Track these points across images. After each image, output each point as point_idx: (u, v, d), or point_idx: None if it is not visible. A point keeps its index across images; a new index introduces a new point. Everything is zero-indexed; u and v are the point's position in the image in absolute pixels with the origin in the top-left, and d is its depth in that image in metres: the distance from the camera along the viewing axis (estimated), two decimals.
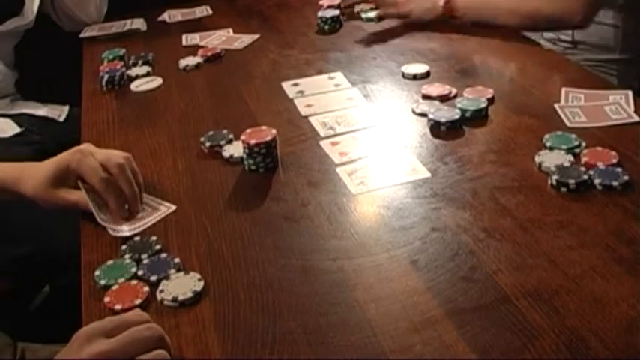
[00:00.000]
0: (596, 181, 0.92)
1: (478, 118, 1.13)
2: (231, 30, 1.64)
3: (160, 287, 0.81)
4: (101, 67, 1.43)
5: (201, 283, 0.81)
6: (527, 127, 1.09)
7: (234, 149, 1.08)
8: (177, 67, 1.46)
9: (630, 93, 1.15)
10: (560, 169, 0.95)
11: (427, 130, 1.12)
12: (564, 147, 1.01)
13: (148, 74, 1.43)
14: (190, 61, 1.47)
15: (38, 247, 1.26)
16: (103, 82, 1.39)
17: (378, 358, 0.70)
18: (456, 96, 1.21)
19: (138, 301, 0.79)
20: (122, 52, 1.50)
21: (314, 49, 1.50)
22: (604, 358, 0.67)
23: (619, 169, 0.94)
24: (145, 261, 0.86)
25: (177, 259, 0.85)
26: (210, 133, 1.14)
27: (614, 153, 0.98)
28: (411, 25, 1.52)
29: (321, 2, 1.69)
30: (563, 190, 0.93)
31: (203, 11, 1.80)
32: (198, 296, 0.80)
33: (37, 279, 1.37)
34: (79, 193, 0.93)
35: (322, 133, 1.14)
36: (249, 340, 0.73)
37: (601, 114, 1.10)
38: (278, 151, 1.05)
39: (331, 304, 0.77)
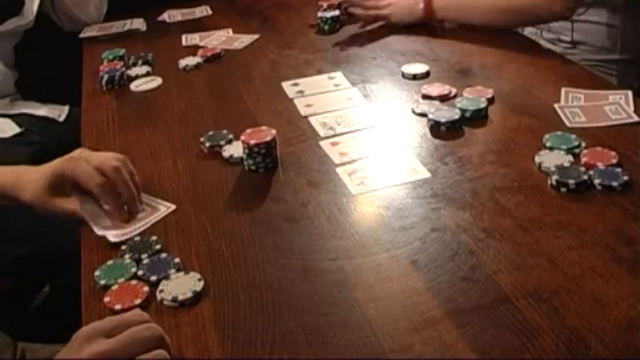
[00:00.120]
0: (596, 181, 0.92)
1: (478, 118, 1.13)
2: (230, 30, 1.64)
3: (160, 287, 0.81)
4: (101, 67, 1.43)
5: (201, 283, 0.81)
6: (527, 127, 1.09)
7: (234, 149, 1.08)
8: (177, 67, 1.46)
9: (630, 93, 1.15)
10: (560, 169, 0.95)
11: (427, 130, 1.12)
12: (564, 147, 1.01)
13: (147, 74, 1.43)
14: (190, 61, 1.47)
15: (38, 247, 1.26)
16: (103, 82, 1.39)
17: (378, 358, 0.70)
18: (455, 96, 1.21)
19: (138, 301, 0.79)
20: (122, 52, 1.50)
21: (314, 49, 1.50)
22: (604, 358, 0.67)
23: (619, 169, 0.94)
24: (145, 261, 0.86)
25: (177, 259, 0.85)
26: (210, 133, 1.14)
27: (613, 153, 0.98)
28: (411, 26, 1.52)
29: (320, 2, 1.69)
30: (563, 190, 0.93)
31: (203, 11, 1.80)
32: (198, 296, 0.80)
33: (37, 279, 1.37)
34: (73, 201, 0.93)
35: (322, 133, 1.14)
36: (249, 340, 0.73)
37: (601, 114, 1.10)
38: (278, 151, 1.05)
39: (331, 304, 0.77)
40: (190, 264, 0.86)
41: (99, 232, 0.91)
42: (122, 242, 0.90)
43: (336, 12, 1.60)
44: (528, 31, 1.59)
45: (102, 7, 1.77)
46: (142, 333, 0.68)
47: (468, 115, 1.13)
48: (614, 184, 0.91)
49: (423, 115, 1.15)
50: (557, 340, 0.69)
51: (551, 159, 0.98)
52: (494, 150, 1.04)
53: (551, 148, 1.01)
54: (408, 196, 0.95)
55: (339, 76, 1.34)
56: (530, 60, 1.35)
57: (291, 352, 0.72)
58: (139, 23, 1.73)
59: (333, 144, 1.10)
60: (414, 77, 1.30)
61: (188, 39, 1.61)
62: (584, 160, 0.97)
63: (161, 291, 0.80)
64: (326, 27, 1.58)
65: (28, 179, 0.94)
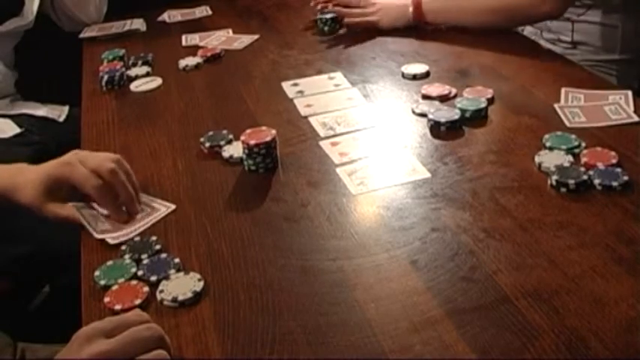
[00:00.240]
0: (596, 181, 0.92)
1: (478, 118, 1.13)
2: (230, 30, 1.64)
3: (160, 287, 0.81)
4: (101, 68, 1.43)
5: (201, 284, 0.81)
6: (527, 127, 1.09)
7: (234, 149, 1.08)
8: (176, 67, 1.46)
9: (630, 93, 1.15)
10: (560, 169, 0.95)
11: (427, 131, 1.12)
12: (564, 147, 1.01)
13: (147, 74, 1.43)
14: (190, 61, 1.47)
15: (38, 247, 1.26)
16: (103, 83, 1.39)
17: (378, 358, 0.70)
18: (455, 96, 1.21)
19: (138, 302, 0.79)
20: (122, 52, 1.50)
21: (314, 49, 1.50)
22: (604, 358, 0.67)
23: (619, 169, 0.94)
24: (145, 261, 0.86)
25: (177, 260, 0.85)
26: (210, 133, 1.14)
27: (613, 153, 0.98)
28: (412, 26, 1.52)
29: (313, 3, 1.67)
30: (563, 190, 0.93)
31: (203, 11, 1.80)
32: (198, 296, 0.80)
33: (37, 279, 1.37)
34: (70, 207, 0.93)
35: (322, 133, 1.14)
36: (249, 340, 0.73)
37: (601, 114, 1.10)
38: (278, 152, 1.05)
39: (331, 304, 0.77)
40: (190, 264, 0.86)
41: (98, 236, 0.91)
42: (122, 242, 0.90)
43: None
44: (528, 31, 1.59)
45: (102, 7, 1.77)
46: (142, 333, 0.68)
47: (467, 115, 1.13)
48: (614, 184, 0.91)
49: (423, 115, 1.15)
50: (557, 340, 0.69)
51: (551, 159, 0.98)
52: (494, 150, 1.04)
53: (551, 148, 1.01)
54: (408, 196, 0.95)
55: (338, 76, 1.34)
56: (530, 60, 1.35)
57: (291, 352, 0.72)
58: (138, 23, 1.73)
59: (333, 144, 1.10)
60: (414, 77, 1.30)
61: (188, 39, 1.61)
62: (584, 160, 0.97)
63: (161, 291, 0.80)
64: (325, 28, 1.57)
65: (24, 181, 0.93)
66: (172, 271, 0.83)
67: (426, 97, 1.22)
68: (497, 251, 0.83)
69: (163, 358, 0.68)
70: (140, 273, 0.84)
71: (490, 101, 1.17)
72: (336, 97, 1.26)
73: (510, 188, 0.95)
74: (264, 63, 1.45)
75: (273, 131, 1.05)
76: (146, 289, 0.81)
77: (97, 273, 0.84)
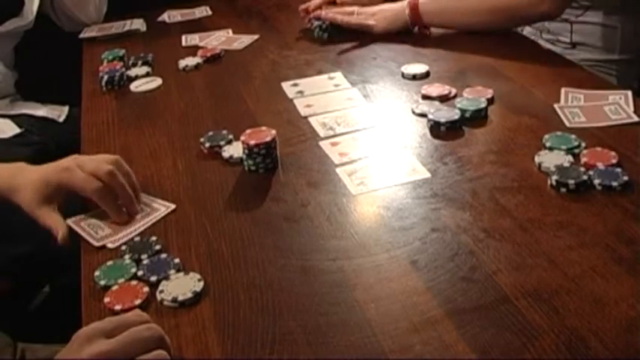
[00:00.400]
0: (596, 182, 0.92)
1: (478, 118, 1.13)
2: (230, 30, 1.64)
3: (160, 288, 0.81)
4: (101, 68, 1.43)
5: (201, 284, 0.81)
6: (526, 128, 1.09)
7: (234, 149, 1.08)
8: (176, 67, 1.46)
9: (630, 93, 1.15)
10: (560, 169, 0.95)
11: (427, 131, 1.12)
12: (564, 147, 1.01)
13: (147, 75, 1.43)
14: (190, 61, 1.47)
15: (38, 247, 1.26)
16: (103, 83, 1.39)
17: (378, 358, 0.70)
18: (455, 96, 1.21)
19: (138, 302, 0.79)
20: (122, 52, 1.50)
21: (313, 49, 1.50)
22: (604, 358, 0.67)
23: (619, 170, 0.94)
24: (145, 261, 0.86)
25: (177, 260, 0.85)
26: (210, 133, 1.14)
27: (613, 153, 0.98)
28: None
29: (303, 15, 1.62)
30: (563, 190, 0.93)
31: (202, 12, 1.80)
32: (198, 296, 0.80)
33: (37, 279, 1.37)
34: (55, 217, 0.92)
35: (322, 133, 1.14)
36: (249, 340, 0.73)
37: (601, 114, 1.10)
38: (278, 152, 1.05)
39: (331, 304, 0.77)
40: (190, 264, 0.86)
41: (98, 244, 0.91)
42: (122, 243, 0.90)
43: None
44: (527, 32, 1.59)
45: (102, 7, 1.77)
46: (142, 333, 0.68)
47: (467, 115, 1.13)
48: (614, 184, 0.91)
49: (423, 115, 1.15)
50: (557, 340, 0.69)
51: (551, 159, 0.98)
52: (494, 150, 1.05)
53: (551, 148, 1.01)
54: (408, 196, 0.95)
55: (338, 76, 1.34)
56: (530, 60, 1.35)
57: (291, 352, 0.72)
58: (138, 24, 1.73)
59: (333, 144, 1.10)
60: (414, 77, 1.30)
61: (188, 39, 1.61)
62: (584, 160, 0.97)
63: (161, 291, 0.80)
64: (325, 35, 1.53)
65: (24, 182, 0.94)
66: (172, 271, 0.83)
67: (425, 97, 1.22)
68: (497, 251, 0.83)
69: (163, 358, 0.68)
70: (140, 273, 0.84)
71: (490, 101, 1.17)
72: (336, 98, 1.26)
73: (510, 188, 0.95)
74: (264, 63, 1.45)
75: (273, 131, 1.05)
76: (146, 289, 0.81)
77: (97, 273, 0.84)
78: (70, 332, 0.69)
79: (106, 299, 0.80)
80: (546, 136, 1.04)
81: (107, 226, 0.94)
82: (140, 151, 1.14)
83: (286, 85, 1.32)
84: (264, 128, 1.06)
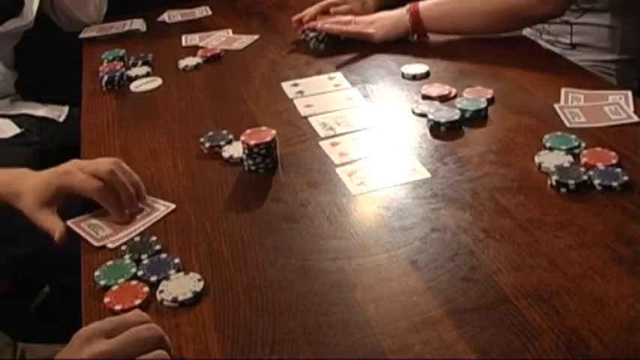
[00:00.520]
0: (596, 182, 0.92)
1: (478, 118, 1.13)
2: (230, 30, 1.64)
3: (160, 288, 0.81)
4: (101, 68, 1.43)
5: (201, 284, 0.81)
6: (526, 128, 1.09)
7: (234, 149, 1.08)
8: (176, 67, 1.46)
9: (630, 93, 1.15)
10: (560, 169, 0.95)
11: (427, 131, 1.12)
12: (564, 147, 1.01)
13: (147, 75, 1.43)
14: (190, 61, 1.47)
15: (38, 247, 1.26)
16: (103, 83, 1.39)
17: (378, 358, 0.70)
18: (455, 96, 1.21)
19: (138, 302, 0.79)
20: (122, 52, 1.50)
21: (313, 49, 1.50)
22: (604, 358, 0.67)
23: (619, 170, 0.94)
24: (145, 261, 0.86)
25: (177, 260, 0.85)
26: (210, 133, 1.14)
27: (613, 153, 0.98)
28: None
29: (296, 25, 1.58)
30: (563, 190, 0.93)
31: (202, 12, 1.81)
32: (198, 297, 0.80)
33: (37, 279, 1.37)
34: (53, 219, 0.93)
35: (322, 133, 1.14)
36: (249, 340, 0.73)
37: (601, 114, 1.10)
38: (278, 152, 1.05)
39: (331, 304, 0.77)
40: (190, 264, 0.86)
41: (98, 244, 0.91)
42: (122, 243, 0.90)
43: None
44: (527, 33, 1.58)
45: (101, 7, 1.77)
46: (142, 333, 0.68)
47: (467, 115, 1.13)
48: (614, 184, 0.91)
49: (423, 115, 1.15)
50: (557, 340, 0.69)
51: (551, 159, 0.98)
52: (494, 150, 1.05)
53: (551, 149, 1.01)
54: (408, 196, 0.95)
55: (338, 76, 1.34)
56: (530, 60, 1.35)
57: (291, 352, 0.72)
58: (138, 24, 1.73)
59: (333, 144, 1.10)
60: (414, 77, 1.30)
61: (188, 39, 1.61)
62: (584, 160, 0.97)
63: (161, 291, 0.80)
64: (321, 46, 1.48)
65: (25, 188, 0.94)
66: (172, 271, 0.83)
67: (426, 97, 1.22)
68: (497, 251, 0.83)
69: (163, 359, 0.68)
70: (140, 273, 0.84)
71: (490, 101, 1.17)
72: (336, 98, 1.26)
73: (510, 188, 0.95)
74: (264, 63, 1.45)
75: (273, 131, 1.05)
76: (146, 289, 0.81)
77: (97, 273, 0.84)
78: (70, 332, 0.69)
79: (106, 299, 0.80)
80: (546, 136, 1.04)
81: (107, 227, 0.94)
82: (140, 151, 1.14)
83: (286, 85, 1.32)
84: (264, 128, 1.06)
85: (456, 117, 1.11)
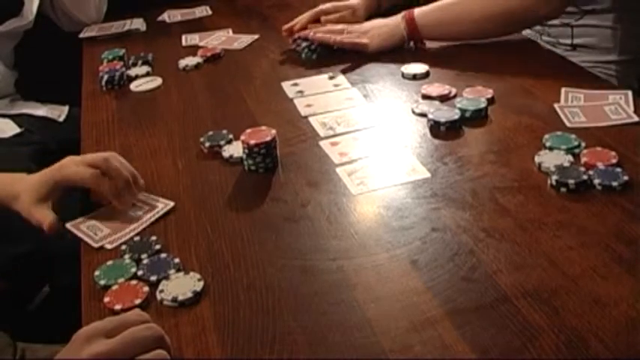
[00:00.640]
0: (596, 181, 0.92)
1: (478, 118, 1.13)
2: (230, 30, 1.64)
3: (160, 287, 0.81)
4: (101, 68, 1.43)
5: (201, 284, 0.81)
6: (526, 127, 1.09)
7: (234, 149, 1.08)
8: (176, 67, 1.46)
9: (630, 93, 1.15)
10: (560, 169, 0.95)
11: (427, 130, 1.12)
12: (564, 147, 1.01)
13: (147, 74, 1.43)
14: (190, 61, 1.47)
15: (38, 246, 1.26)
16: (103, 82, 1.39)
17: (378, 358, 0.70)
18: (455, 96, 1.21)
19: (138, 302, 0.79)
20: (122, 52, 1.50)
21: None
22: (604, 358, 0.67)
23: (619, 169, 0.94)
24: (145, 261, 0.86)
25: (177, 260, 0.85)
26: (210, 133, 1.14)
27: (613, 153, 0.98)
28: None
29: (286, 34, 1.53)
30: (563, 190, 0.93)
31: (203, 11, 1.80)
32: (198, 296, 0.80)
33: (37, 279, 1.37)
34: (44, 211, 0.93)
35: (322, 133, 1.14)
36: (249, 340, 0.73)
37: (601, 114, 1.10)
38: (278, 152, 1.05)
39: (331, 304, 0.77)
40: (190, 264, 0.86)
41: (97, 244, 0.91)
42: (121, 243, 0.90)
43: None
44: (527, 34, 1.58)
45: (101, 7, 1.77)
46: (142, 333, 0.68)
47: (467, 115, 1.13)
48: (614, 184, 0.91)
49: (423, 115, 1.15)
50: (557, 340, 0.69)
51: (551, 159, 0.98)
52: (494, 150, 1.04)
53: (551, 148, 1.01)
54: (408, 196, 0.95)
55: (338, 76, 1.34)
56: (530, 60, 1.35)
57: (291, 352, 0.72)
58: (138, 23, 1.73)
59: (333, 144, 1.10)
60: (414, 77, 1.30)
61: (188, 39, 1.61)
62: (584, 160, 0.97)
63: (161, 291, 0.80)
64: (314, 56, 1.45)
65: (22, 188, 0.95)
66: (172, 271, 0.83)
67: (426, 97, 1.22)
68: (497, 251, 0.83)
69: (163, 358, 0.68)
70: (140, 273, 0.84)
71: (490, 101, 1.17)
72: (336, 97, 1.26)
73: (510, 188, 0.95)
74: (264, 63, 1.45)
75: (273, 131, 1.05)
76: (146, 289, 0.81)
77: (97, 273, 0.84)
78: (70, 332, 0.69)
79: (106, 299, 0.80)
80: (546, 136, 1.04)
81: (106, 227, 0.94)
82: (140, 150, 1.14)
83: (286, 85, 1.32)
84: (264, 128, 1.06)
85: (456, 117, 1.11)
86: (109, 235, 0.92)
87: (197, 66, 1.46)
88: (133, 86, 1.39)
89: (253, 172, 1.04)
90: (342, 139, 1.11)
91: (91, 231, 0.94)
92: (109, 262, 0.86)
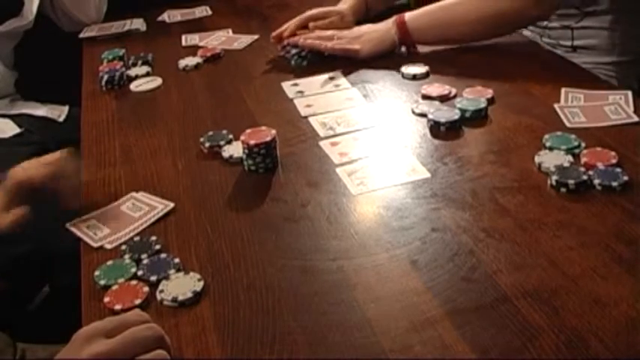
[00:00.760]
0: (596, 182, 0.92)
1: (478, 118, 1.13)
2: (230, 30, 1.64)
3: (160, 287, 0.81)
4: (101, 68, 1.43)
5: (201, 284, 0.81)
6: (526, 128, 1.09)
7: (234, 149, 1.08)
8: (176, 67, 1.46)
9: (630, 93, 1.15)
10: (560, 169, 0.95)
11: (427, 131, 1.12)
12: (564, 147, 1.01)
13: (147, 74, 1.43)
14: (190, 61, 1.47)
15: (37, 246, 1.26)
16: (103, 82, 1.39)
17: (378, 358, 0.70)
18: (455, 96, 1.21)
19: (138, 302, 0.79)
20: (122, 52, 1.50)
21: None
22: (604, 358, 0.67)
23: (619, 170, 0.94)
24: (145, 261, 0.86)
25: (177, 260, 0.85)
26: (210, 133, 1.14)
27: (613, 153, 0.98)
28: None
29: (274, 41, 1.50)
30: (563, 190, 0.93)
31: (202, 11, 1.80)
32: (197, 296, 0.80)
33: (36, 279, 1.37)
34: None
35: (322, 133, 1.14)
36: (249, 340, 0.73)
37: (601, 114, 1.10)
38: (278, 152, 1.05)
39: (331, 304, 0.77)
40: (190, 264, 0.86)
41: (96, 244, 0.91)
42: (121, 243, 0.90)
43: None
44: (527, 35, 1.58)
45: (101, 7, 1.77)
46: (142, 333, 0.68)
47: (467, 115, 1.13)
48: (614, 184, 0.91)
49: (423, 115, 1.15)
50: (557, 340, 0.69)
51: (551, 159, 0.98)
52: (494, 150, 1.05)
53: (550, 149, 1.01)
54: (407, 196, 0.95)
55: (338, 76, 1.34)
56: (529, 60, 1.35)
57: (291, 352, 0.72)
58: (138, 23, 1.73)
59: (333, 144, 1.10)
60: (414, 77, 1.30)
61: (188, 39, 1.61)
62: (583, 160, 0.97)
63: (161, 291, 0.80)
64: (304, 62, 1.41)
65: None
66: (172, 271, 0.83)
67: (425, 97, 1.22)
68: (497, 251, 0.83)
69: (163, 358, 0.68)
70: (140, 273, 0.84)
71: (490, 101, 1.17)
72: (336, 97, 1.26)
73: (510, 188, 0.95)
74: (264, 63, 1.45)
75: (273, 131, 1.05)
76: (146, 289, 0.81)
77: (97, 273, 0.84)
78: (70, 332, 0.69)
79: (106, 299, 0.80)
80: (546, 136, 1.04)
81: (106, 227, 0.94)
82: (140, 151, 1.14)
83: (286, 85, 1.32)
84: (264, 128, 1.06)
85: (456, 117, 1.11)
86: (108, 235, 0.92)
87: (197, 66, 1.46)
88: (133, 86, 1.39)
89: (253, 173, 1.04)
90: (342, 139, 1.11)
91: (90, 231, 0.94)
92: (109, 262, 0.86)
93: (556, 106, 1.13)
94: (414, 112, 1.17)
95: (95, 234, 0.93)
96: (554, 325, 0.71)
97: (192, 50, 1.52)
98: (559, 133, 1.05)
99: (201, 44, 1.56)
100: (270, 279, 0.82)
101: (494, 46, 1.40)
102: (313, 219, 0.92)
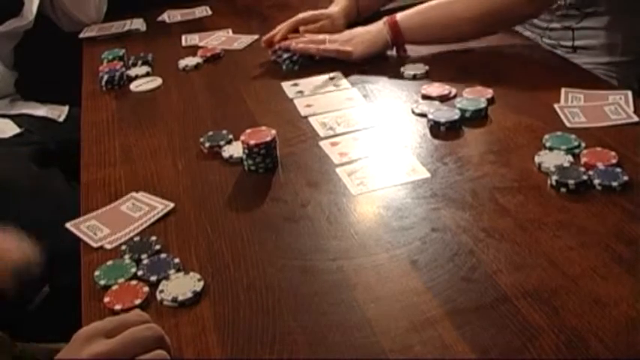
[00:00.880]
0: (596, 182, 0.92)
1: (478, 118, 1.13)
2: (230, 30, 1.64)
3: (160, 287, 0.81)
4: (101, 68, 1.43)
5: (201, 284, 0.81)
6: (526, 128, 1.09)
7: (234, 149, 1.08)
8: (176, 67, 1.46)
9: (630, 93, 1.15)
10: (560, 169, 0.95)
11: (427, 131, 1.12)
12: (564, 147, 1.01)
13: (147, 74, 1.43)
14: (190, 61, 1.47)
15: (37, 246, 1.26)
16: (103, 83, 1.39)
17: (378, 358, 0.70)
18: (455, 96, 1.21)
19: (138, 302, 0.79)
20: (122, 52, 1.50)
21: None
22: (604, 358, 0.67)
23: (619, 170, 0.94)
24: (145, 261, 0.86)
25: (177, 260, 0.85)
26: (210, 133, 1.14)
27: (613, 153, 0.98)
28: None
29: (265, 45, 1.48)
30: (563, 190, 0.93)
31: (202, 11, 1.80)
32: (197, 296, 0.80)
33: (36, 279, 1.37)
34: None
35: (322, 133, 1.14)
36: (249, 340, 0.73)
37: (601, 114, 1.10)
38: (278, 152, 1.05)
39: (331, 304, 0.77)
40: (190, 264, 0.86)
41: (96, 244, 0.91)
42: (120, 243, 0.90)
43: None
44: (528, 36, 1.58)
45: (101, 7, 1.77)
46: (142, 333, 0.68)
47: (467, 115, 1.13)
48: (614, 184, 0.91)
49: (423, 115, 1.15)
50: (557, 340, 0.69)
51: (551, 159, 0.98)
52: (494, 150, 1.05)
53: (550, 149, 1.01)
54: (407, 196, 0.95)
55: (338, 76, 1.34)
56: (529, 60, 1.35)
57: (291, 352, 0.72)
58: (138, 23, 1.73)
59: (333, 144, 1.10)
60: (414, 77, 1.30)
61: (188, 39, 1.61)
62: (583, 160, 0.97)
63: (161, 291, 0.80)
64: (296, 67, 1.40)
65: None
66: (172, 271, 0.83)
67: (425, 97, 1.22)
68: (497, 251, 0.83)
69: (163, 358, 0.68)
70: (140, 273, 0.84)
71: (490, 101, 1.17)
72: (336, 97, 1.26)
73: (510, 188, 0.95)
74: (265, 63, 1.45)
75: (273, 131, 1.05)
76: (146, 289, 0.81)
77: (96, 273, 0.84)
78: (70, 332, 0.69)
79: (106, 299, 0.80)
80: (546, 136, 1.04)
81: (105, 227, 0.94)
82: (140, 151, 1.14)
83: (286, 85, 1.32)
84: (264, 128, 1.06)
85: (456, 117, 1.11)
86: (108, 235, 0.92)
87: (197, 66, 1.46)
88: (133, 86, 1.39)
89: (253, 173, 1.04)
90: (342, 139, 1.11)
91: (90, 231, 0.94)
92: (109, 262, 0.86)
93: (556, 106, 1.13)
94: (414, 112, 1.17)
95: (95, 234, 0.93)
96: (554, 325, 0.71)
97: (192, 50, 1.53)
98: (559, 133, 1.05)
99: (201, 44, 1.56)
100: (270, 279, 0.82)
101: (494, 46, 1.40)
102: (313, 219, 0.92)
